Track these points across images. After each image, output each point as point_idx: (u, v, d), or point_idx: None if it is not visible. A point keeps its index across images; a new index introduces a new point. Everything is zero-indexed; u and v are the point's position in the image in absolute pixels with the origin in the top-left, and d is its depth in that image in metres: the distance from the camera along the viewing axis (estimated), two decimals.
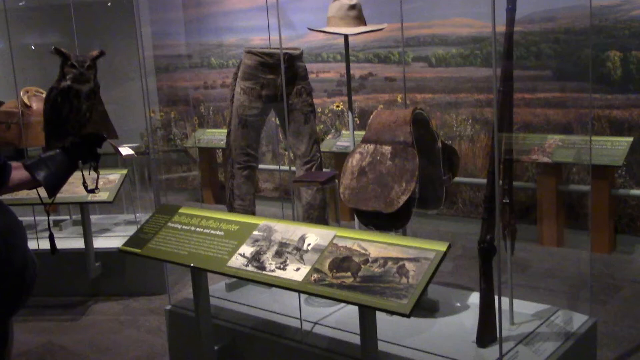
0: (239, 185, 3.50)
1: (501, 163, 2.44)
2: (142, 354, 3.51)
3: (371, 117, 2.71)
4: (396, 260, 2.11)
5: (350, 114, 3.30)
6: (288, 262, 2.31)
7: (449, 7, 5.33)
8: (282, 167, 6.07)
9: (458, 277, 4.20)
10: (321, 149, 3.65)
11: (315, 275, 2.19)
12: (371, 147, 2.63)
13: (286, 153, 5.75)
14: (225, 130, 3.86)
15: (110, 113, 3.05)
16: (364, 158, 2.63)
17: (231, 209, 3.50)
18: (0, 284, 1.82)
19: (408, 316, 1.94)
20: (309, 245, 2.33)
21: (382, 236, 2.26)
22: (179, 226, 2.75)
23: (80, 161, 2.18)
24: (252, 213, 3.52)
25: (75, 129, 2.20)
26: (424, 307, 2.80)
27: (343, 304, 2.78)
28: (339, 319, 2.80)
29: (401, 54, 5.37)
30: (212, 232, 2.63)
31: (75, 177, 2.25)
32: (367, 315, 2.20)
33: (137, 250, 2.73)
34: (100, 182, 2.53)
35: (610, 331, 3.34)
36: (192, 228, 2.70)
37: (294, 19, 5.86)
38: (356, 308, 2.17)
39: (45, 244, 2.47)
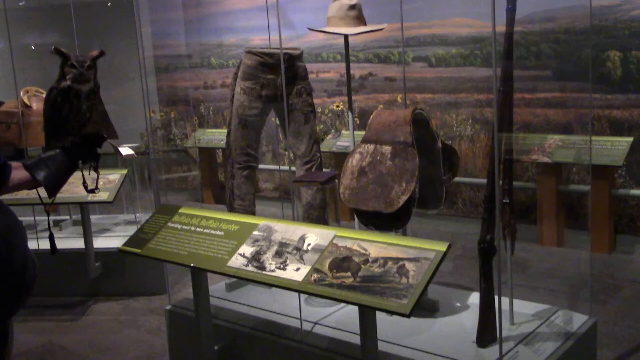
0: (239, 185, 3.50)
1: (501, 163, 2.44)
2: (142, 354, 3.51)
3: (371, 117, 2.70)
4: (396, 260, 2.11)
5: (350, 114, 3.30)
6: (288, 262, 2.31)
7: (449, 7, 5.33)
8: (282, 167, 6.07)
9: (458, 277, 4.20)
10: (321, 149, 3.65)
11: (315, 275, 2.19)
12: (371, 147, 2.63)
13: (286, 153, 5.75)
14: (225, 130, 3.86)
15: (110, 113, 3.05)
16: (364, 158, 2.63)
17: (231, 209, 3.50)
18: (0, 284, 1.82)
19: (408, 316, 1.94)
20: (309, 245, 2.33)
21: (382, 236, 2.26)
22: (179, 226, 2.75)
23: (80, 161, 2.18)
24: (252, 213, 3.51)
25: (75, 129, 2.20)
26: (424, 307, 2.80)
27: (343, 304, 2.78)
28: (339, 319, 2.80)
29: (401, 54, 5.37)
30: (212, 232, 2.62)
31: (75, 177, 2.25)
32: (367, 315, 2.20)
33: (137, 250, 2.73)
34: (100, 182, 2.53)
35: (610, 331, 3.34)
36: (192, 228, 2.70)
37: (294, 19, 5.86)
38: (356, 308, 2.17)
39: (45, 244, 2.47)
